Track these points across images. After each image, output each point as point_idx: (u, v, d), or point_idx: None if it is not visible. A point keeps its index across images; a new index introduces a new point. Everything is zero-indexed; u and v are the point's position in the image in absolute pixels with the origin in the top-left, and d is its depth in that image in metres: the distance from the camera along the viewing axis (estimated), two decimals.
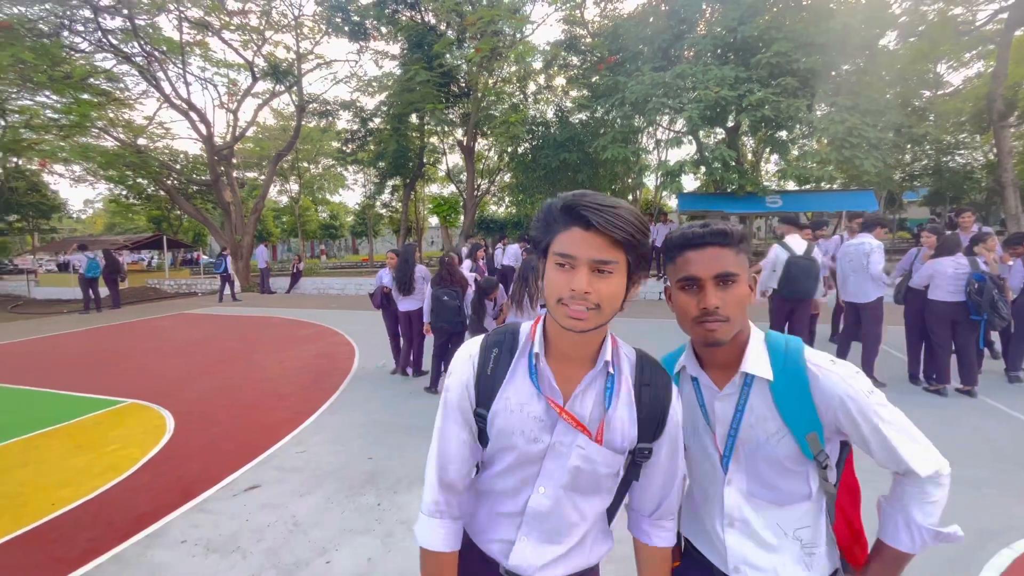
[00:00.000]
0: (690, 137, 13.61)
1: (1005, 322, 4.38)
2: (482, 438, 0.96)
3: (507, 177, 20.88)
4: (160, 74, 16.20)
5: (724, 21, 11.83)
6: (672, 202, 20.35)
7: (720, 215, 16.13)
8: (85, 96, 14.83)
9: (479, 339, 0.99)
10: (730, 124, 13.77)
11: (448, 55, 15.68)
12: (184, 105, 16.63)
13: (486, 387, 0.93)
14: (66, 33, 14.96)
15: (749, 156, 22.55)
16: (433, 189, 30.17)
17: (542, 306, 4.57)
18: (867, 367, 4.85)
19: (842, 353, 5.14)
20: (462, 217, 21.14)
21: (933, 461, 0.89)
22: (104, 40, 15.06)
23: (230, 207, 17.54)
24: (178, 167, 19.84)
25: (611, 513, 1.03)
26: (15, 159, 21.74)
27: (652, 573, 1.02)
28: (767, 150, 18.35)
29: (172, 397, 5.25)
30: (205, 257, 30.05)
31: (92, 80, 15.29)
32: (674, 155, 31.80)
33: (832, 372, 0.92)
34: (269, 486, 3.29)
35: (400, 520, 2.84)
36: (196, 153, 21.21)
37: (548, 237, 0.85)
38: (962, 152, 20.09)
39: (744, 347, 0.97)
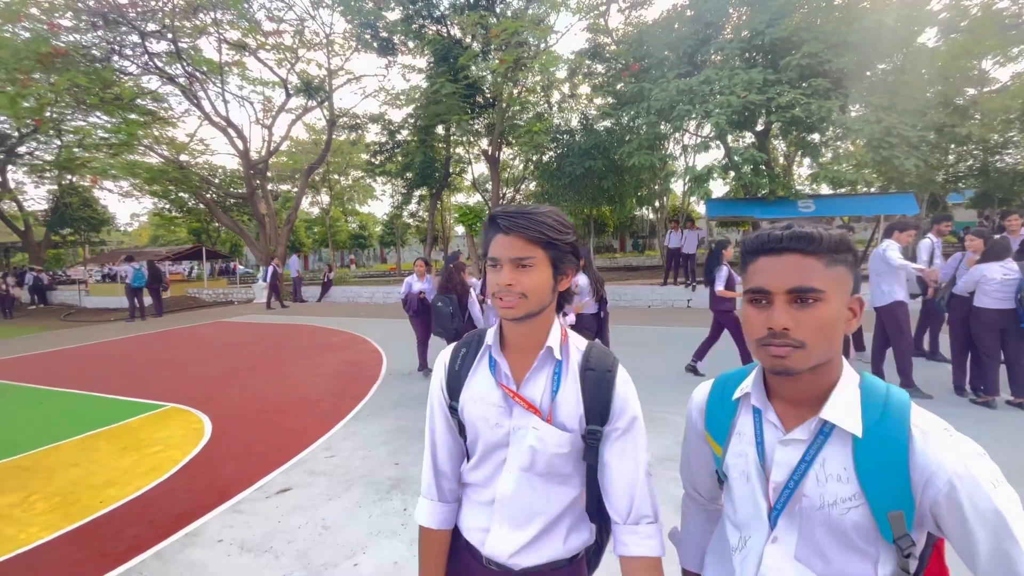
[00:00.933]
0: (718, 142, 13.41)
1: None
2: (461, 430, 1.09)
3: (532, 186, 20.98)
4: (201, 93, 17.05)
5: (751, 24, 11.64)
6: (700, 208, 20.04)
7: (749, 220, 15.79)
8: (133, 116, 15.74)
9: (449, 347, 1.14)
10: (759, 128, 13.49)
11: (473, 67, 15.95)
12: (223, 122, 17.41)
13: (455, 383, 1.07)
14: (116, 57, 15.96)
15: (781, 160, 22.02)
16: (459, 198, 30.55)
17: (565, 314, 4.59)
18: (904, 377, 4.68)
19: (876, 367, 4.98)
20: None
21: None
22: (150, 63, 15.99)
23: (265, 219, 18.21)
24: (216, 181, 20.79)
25: (591, 510, 1.05)
26: (69, 176, 23.19)
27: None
28: (799, 153, 17.88)
29: (210, 401, 5.47)
30: (241, 267, 31.19)
31: (139, 101, 16.23)
32: (701, 160, 31.33)
33: (944, 442, 0.71)
34: (300, 489, 3.39)
35: None
36: (233, 168, 22.17)
37: (484, 246, 1.00)
38: (1010, 151, 19.08)
39: (830, 388, 0.78)
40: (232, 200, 21.43)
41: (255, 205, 18.23)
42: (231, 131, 17.63)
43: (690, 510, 1.09)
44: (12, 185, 22.71)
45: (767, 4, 11.41)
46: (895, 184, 13.25)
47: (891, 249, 4.67)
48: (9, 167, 21.99)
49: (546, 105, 17.94)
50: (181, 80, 16.57)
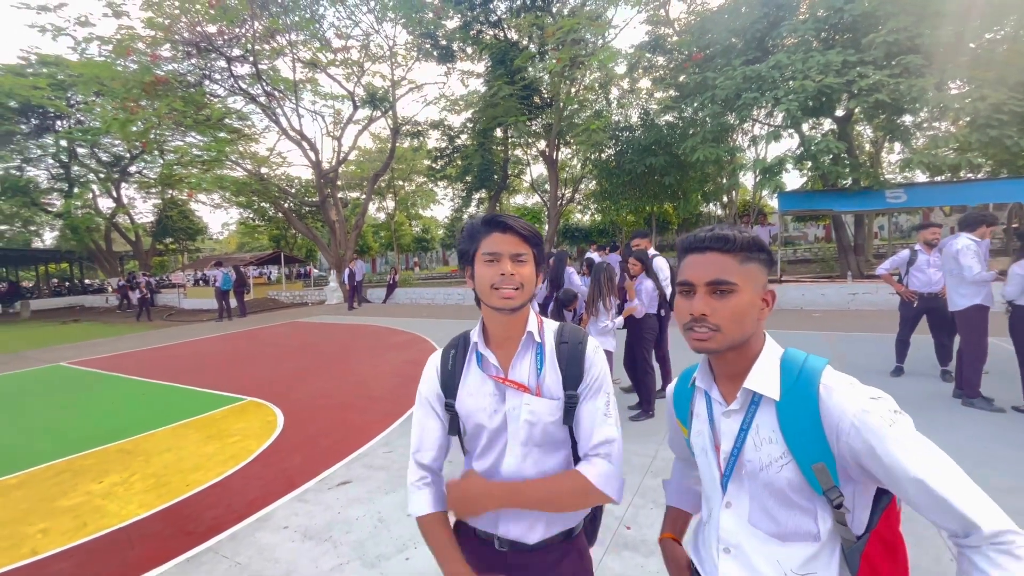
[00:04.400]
0: (791, 131, 12.51)
1: None
2: (455, 426, 1.17)
3: (591, 185, 20.68)
4: (278, 110, 18.39)
5: (829, 1, 10.75)
6: (773, 202, 18.77)
7: (829, 214, 14.57)
8: (222, 134, 17.30)
9: (438, 351, 1.23)
10: (840, 113, 12.43)
11: (530, 68, 15.99)
12: (297, 136, 18.68)
13: (450, 382, 1.17)
14: (206, 82, 17.59)
15: (867, 147, 20.14)
16: (518, 200, 30.77)
17: (617, 311, 4.45)
18: (969, 387, 4.21)
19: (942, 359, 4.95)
20: (546, 226, 21.28)
21: (999, 514, 0.71)
22: (235, 85, 17.48)
23: (335, 225, 19.30)
24: (292, 191, 22.32)
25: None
26: (170, 191, 25.86)
27: (555, 480, 1.09)
28: (888, 139, 16.23)
29: (283, 396, 5.86)
30: (315, 271, 33.30)
31: (227, 120, 17.79)
32: (773, 151, 29.37)
33: (844, 392, 0.81)
34: (359, 482, 3.54)
35: None
36: (307, 178, 23.71)
37: (474, 245, 1.09)
38: None
39: (754, 359, 0.91)
40: (306, 208, 22.94)
41: (326, 212, 19.38)
42: (305, 144, 18.88)
43: (676, 464, 1.25)
44: (125, 200, 25.75)
45: None
46: (1007, 168, 11.69)
47: (966, 255, 4.10)
48: (123, 184, 24.95)
49: (604, 102, 17.61)
50: (261, 99, 17.98)
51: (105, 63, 15.16)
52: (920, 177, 13.82)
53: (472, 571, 1.08)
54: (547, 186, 20.06)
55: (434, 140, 20.82)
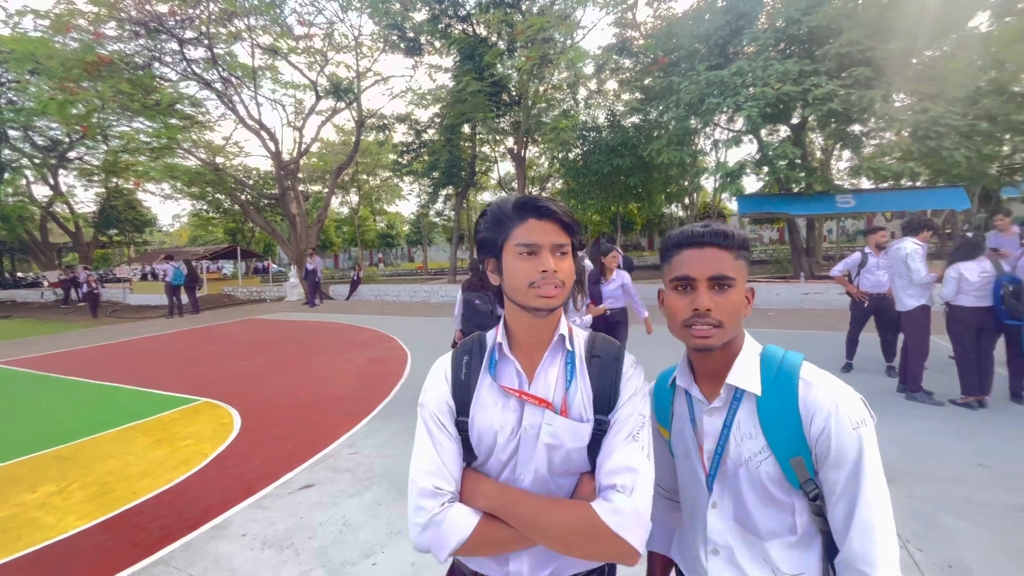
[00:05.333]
0: (751, 136, 12.97)
1: None
2: (468, 451, 0.96)
3: (558, 184, 20.82)
4: (235, 97, 17.57)
5: (787, 13, 11.20)
6: (732, 204, 19.45)
7: (784, 217, 15.23)
8: (173, 120, 16.36)
9: (447, 356, 1.04)
10: (795, 120, 12.99)
11: (499, 65, 15.91)
12: (256, 125, 17.91)
13: (463, 394, 0.97)
14: (156, 64, 16.60)
15: (818, 154, 21.17)
16: (485, 197, 30.63)
17: (587, 308, 4.48)
18: (912, 382, 4.50)
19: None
20: None
21: (895, 569, 0.77)
22: (188, 69, 16.57)
23: (296, 218, 18.65)
24: (250, 183, 21.40)
25: None
26: (115, 179, 24.33)
27: (558, 507, 0.89)
28: (838, 146, 17.13)
29: (239, 396, 5.60)
30: (274, 266, 32.13)
31: (178, 106, 16.84)
32: (734, 155, 30.45)
33: (823, 387, 0.84)
34: (322, 486, 3.41)
35: None
36: (266, 169, 22.83)
37: (503, 234, 0.93)
38: None
39: (735, 358, 0.91)
40: (265, 201, 22.03)
41: (286, 205, 18.70)
42: (264, 133, 18.13)
43: (656, 503, 1.06)
44: (63, 188, 24.01)
45: None
46: (943, 177, 12.53)
47: (915, 259, 4.38)
48: (61, 171, 23.25)
49: (572, 102, 17.74)
50: (217, 85, 17.12)
51: (42, 39, 14.02)
52: (866, 184, 14.64)
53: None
54: (515, 184, 20.05)
55: (400, 134, 20.43)
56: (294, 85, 18.69)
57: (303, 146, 19.95)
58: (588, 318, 4.46)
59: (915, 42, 10.31)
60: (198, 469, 3.77)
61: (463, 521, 0.88)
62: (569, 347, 0.98)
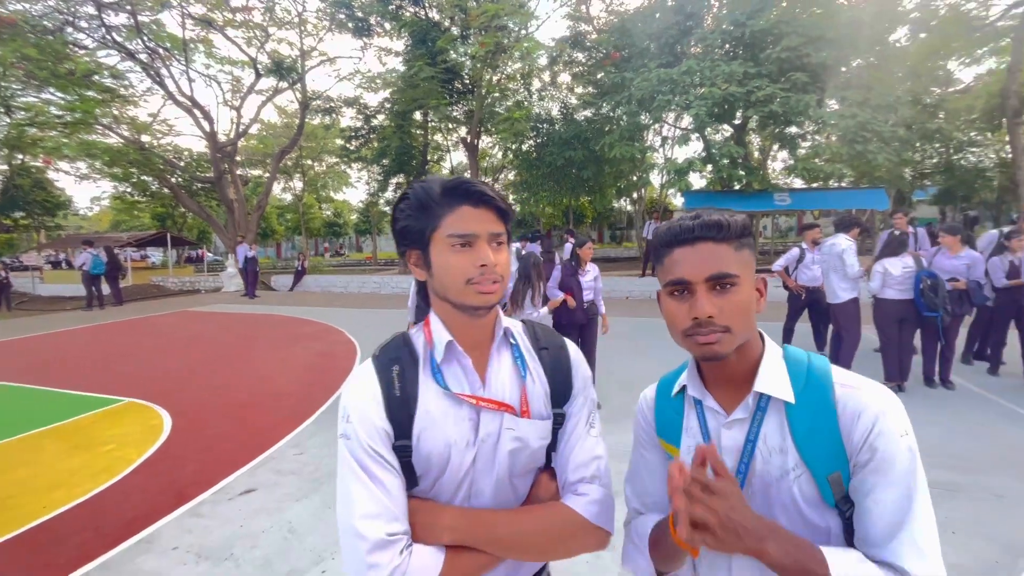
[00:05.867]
0: (697, 134, 13.46)
1: (951, 316, 4.51)
2: (410, 478, 0.81)
3: (511, 175, 20.76)
4: (164, 71, 16.18)
5: (732, 16, 11.64)
6: (677, 200, 20.17)
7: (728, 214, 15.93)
8: (90, 93, 14.80)
9: (368, 369, 0.84)
10: (737, 121, 13.59)
11: (452, 51, 15.56)
12: (187, 102, 16.59)
13: (401, 413, 0.80)
14: (70, 30, 14.95)
15: (756, 154, 22.32)
16: None
17: (542, 303, 4.46)
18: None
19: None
20: None
21: (935, 569, 0.66)
22: (108, 37, 15.04)
23: (233, 204, 17.52)
24: (182, 164, 19.82)
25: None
26: (20, 156, 21.80)
27: (537, 515, 0.84)
28: (775, 147, 18.14)
29: (171, 396, 5.17)
30: (209, 255, 30.12)
31: (96, 77, 15.25)
32: (680, 153, 31.65)
33: (867, 388, 0.74)
34: (265, 490, 3.20)
35: None
36: (200, 150, 21.18)
37: (431, 223, 0.81)
38: (974, 150, 19.79)
39: (756, 363, 0.79)
40: (199, 185, 20.49)
41: (223, 190, 17.51)
42: (197, 112, 16.81)
43: (639, 521, 0.97)
44: None
45: None
46: (867, 179, 13.55)
47: (850, 254, 4.71)
48: None
49: (526, 93, 17.69)
50: (142, 56, 15.67)
51: None
52: (798, 183, 15.60)
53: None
54: (467, 174, 19.81)
55: (348, 118, 19.58)
56: (231, 61, 17.46)
57: (241, 127, 18.73)
58: (544, 310, 4.43)
59: (845, 51, 11.03)
60: (121, 477, 3.43)
61: (429, 562, 0.75)
62: (513, 340, 0.90)
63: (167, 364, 6.71)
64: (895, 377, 4.61)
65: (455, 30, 15.96)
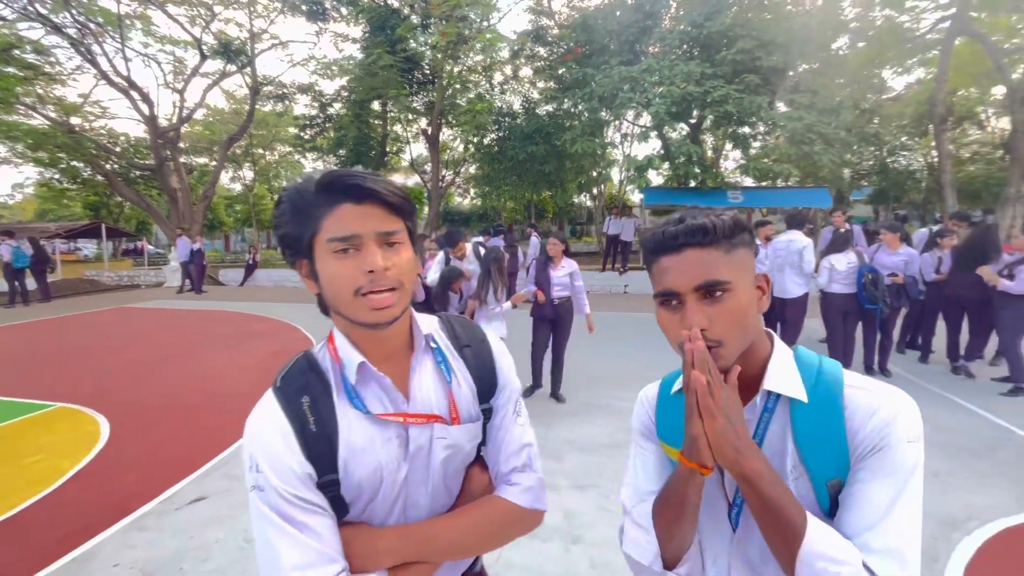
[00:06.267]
0: (656, 132, 13.77)
1: (890, 309, 4.85)
2: (340, 509, 0.75)
3: (473, 168, 20.57)
4: (96, 48, 14.96)
5: (690, 17, 11.95)
6: (636, 196, 20.62)
7: (684, 209, 16.45)
8: (9, 69, 13.49)
9: (271, 405, 0.75)
10: (694, 120, 14.00)
11: (412, 40, 15.20)
12: (123, 83, 15.45)
13: (321, 449, 0.72)
14: None
15: (710, 152, 23.12)
16: (396, 179, 29.43)
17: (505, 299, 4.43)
18: None
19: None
20: (426, 209, 20.70)
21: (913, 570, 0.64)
22: (30, 8, 13.73)
23: (177, 193, 16.48)
24: (118, 150, 18.44)
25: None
26: None
27: (475, 514, 0.83)
28: (729, 146, 18.85)
29: (108, 399, 4.80)
30: (150, 247, 28.24)
31: (16, 52, 13.90)
32: (639, 150, 32.28)
33: (877, 391, 0.71)
34: (217, 497, 3.02)
35: None
36: (139, 136, 19.76)
37: (310, 227, 0.71)
38: (905, 154, 21.29)
39: (764, 363, 0.76)
40: (138, 172, 19.14)
41: (164, 178, 16.41)
42: (134, 93, 15.68)
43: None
44: None
45: None
46: (811, 178, 14.30)
47: (809, 251, 4.97)
48: None
49: (488, 86, 17.54)
50: (70, 31, 14.41)
51: None
52: (748, 181, 16.26)
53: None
54: (428, 166, 19.46)
55: (302, 106, 18.77)
56: (172, 41, 16.38)
57: (185, 111, 17.62)
58: (507, 305, 4.39)
59: (794, 56, 11.56)
60: (52, 490, 3.15)
61: None
62: (434, 344, 0.84)
63: (104, 365, 6.23)
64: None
65: (415, 18, 15.59)
